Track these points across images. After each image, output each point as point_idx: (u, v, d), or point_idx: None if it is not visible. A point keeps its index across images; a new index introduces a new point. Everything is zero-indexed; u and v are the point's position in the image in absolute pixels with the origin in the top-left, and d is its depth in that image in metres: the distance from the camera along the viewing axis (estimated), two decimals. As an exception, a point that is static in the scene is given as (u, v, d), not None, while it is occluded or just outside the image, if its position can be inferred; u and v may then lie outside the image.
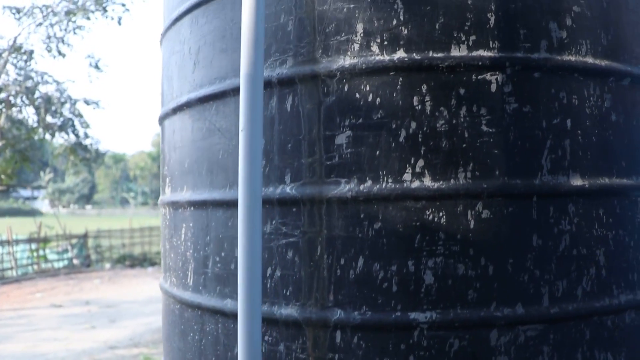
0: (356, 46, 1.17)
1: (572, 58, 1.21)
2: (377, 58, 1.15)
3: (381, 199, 1.14)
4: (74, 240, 13.95)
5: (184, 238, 1.47)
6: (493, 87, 1.15)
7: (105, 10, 12.05)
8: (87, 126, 12.85)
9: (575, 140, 1.20)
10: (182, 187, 1.48)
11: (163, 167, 1.63)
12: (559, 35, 1.20)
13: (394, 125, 1.14)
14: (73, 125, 12.63)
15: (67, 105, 12.22)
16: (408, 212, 1.14)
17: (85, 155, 13.17)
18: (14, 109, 12.04)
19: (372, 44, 1.16)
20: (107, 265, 13.79)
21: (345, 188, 1.16)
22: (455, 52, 1.14)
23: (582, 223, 1.20)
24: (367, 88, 1.16)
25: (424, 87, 1.14)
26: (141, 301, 9.68)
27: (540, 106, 1.18)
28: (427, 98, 1.14)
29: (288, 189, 1.21)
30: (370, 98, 1.16)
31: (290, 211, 1.21)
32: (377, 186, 1.14)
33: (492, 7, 1.16)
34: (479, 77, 1.15)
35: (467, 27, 1.15)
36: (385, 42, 1.16)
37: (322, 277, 1.18)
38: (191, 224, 1.44)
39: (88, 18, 12.15)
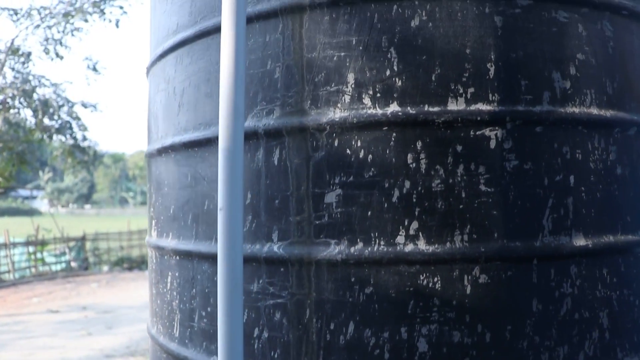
0: (347, 98, 1.10)
1: (576, 110, 1.14)
2: (369, 112, 1.09)
3: (373, 262, 1.08)
4: (71, 243, 13.88)
5: (170, 287, 1.41)
6: (492, 144, 1.09)
7: (102, 12, 11.96)
8: (85, 129, 12.76)
9: (579, 198, 1.14)
10: (168, 233, 1.41)
11: (149, 207, 1.57)
12: (563, 86, 1.13)
13: (386, 185, 1.08)
14: (71, 128, 12.54)
15: (65, 108, 12.13)
16: (401, 276, 1.07)
17: (83, 158, 13.09)
18: (11, 111, 11.96)
19: (364, 96, 1.10)
20: (105, 268, 13.71)
21: (335, 250, 1.09)
22: (452, 106, 1.08)
23: (584, 285, 1.13)
24: (359, 144, 1.09)
25: (419, 144, 1.08)
26: (138, 306, 9.62)
27: (542, 163, 1.11)
28: (422, 155, 1.08)
29: (275, 248, 1.14)
30: (361, 154, 1.09)
31: (278, 271, 1.14)
32: (369, 249, 1.08)
33: (492, 57, 1.10)
34: (477, 132, 1.08)
35: (465, 78, 1.09)
36: (378, 94, 1.09)
37: (311, 341, 1.12)
38: (177, 274, 1.37)
39: (86, 20, 12.06)
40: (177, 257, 1.37)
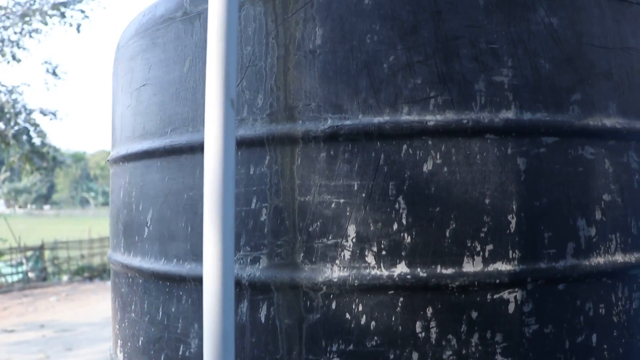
0: (347, 254, 0.95)
1: (601, 260, 1.02)
2: (373, 273, 0.94)
3: None
4: (29, 253, 13.32)
5: None
6: (511, 308, 0.95)
7: (63, 15, 11.45)
8: (44, 136, 12.23)
9: (601, 357, 1.01)
10: (132, 366, 1.24)
11: (114, 323, 1.38)
12: (588, 234, 1.01)
13: (391, 356, 0.93)
14: (28, 134, 12.01)
15: (23, 116, 11.60)
16: None
17: (41, 164, 12.56)
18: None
19: (366, 253, 0.95)
20: (65, 278, 13.21)
21: None
22: (468, 267, 0.94)
23: None
24: (360, 308, 0.94)
25: (429, 311, 0.93)
26: (99, 323, 9.27)
27: (564, 324, 0.98)
28: (433, 324, 0.93)
29: (260, 421, 0.98)
30: (363, 321, 0.94)
31: None
32: None
33: (514, 207, 0.96)
34: (495, 296, 0.95)
35: (483, 233, 0.95)
36: (384, 252, 0.94)
37: None
38: (142, 417, 1.20)
39: (45, 23, 11.54)
40: (144, 399, 1.19)
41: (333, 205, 0.96)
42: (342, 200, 0.96)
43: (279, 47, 1.01)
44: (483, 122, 0.95)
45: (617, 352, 1.04)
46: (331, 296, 0.95)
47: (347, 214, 0.95)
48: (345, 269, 0.95)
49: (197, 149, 1.07)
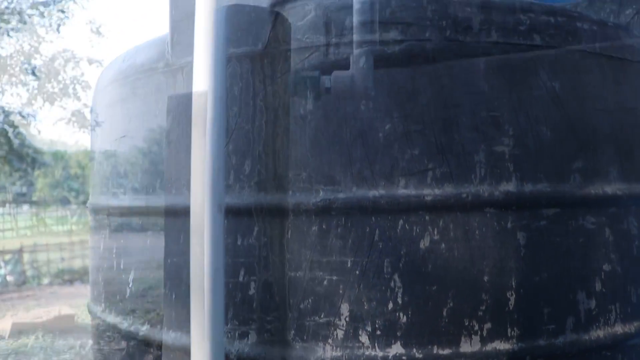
0: (340, 333, 0.91)
1: (601, 333, 0.99)
2: (367, 353, 0.90)
3: None
4: (7, 256, 13.07)
5: None
6: (510, 388, 0.92)
7: (42, 15, 11.23)
8: (24, 138, 12.00)
9: None
10: None
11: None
12: (588, 307, 0.97)
13: None
14: (7, 136, 11.77)
15: (0, 117, 11.36)
16: None
17: (21, 166, 12.32)
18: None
19: (360, 333, 0.90)
20: (45, 281, 12.99)
21: None
22: (465, 348, 0.90)
23: None
24: (354, 391, 0.90)
25: (426, 394, 0.89)
26: (81, 329, 9.14)
27: (565, 402, 0.95)
28: (430, 408, 0.89)
29: None
30: (357, 405, 0.90)
31: None
32: None
33: (513, 284, 0.92)
34: (494, 376, 0.91)
35: (481, 312, 0.91)
36: (378, 332, 0.90)
37: None
38: None
39: (24, 22, 11.30)
40: None
41: (325, 282, 0.91)
42: (334, 278, 0.91)
43: (267, 110, 0.96)
44: (483, 196, 0.91)
45: None
46: (323, 378, 0.91)
47: (340, 291, 0.91)
48: (339, 349, 0.90)
49: (180, 213, 1.02)
